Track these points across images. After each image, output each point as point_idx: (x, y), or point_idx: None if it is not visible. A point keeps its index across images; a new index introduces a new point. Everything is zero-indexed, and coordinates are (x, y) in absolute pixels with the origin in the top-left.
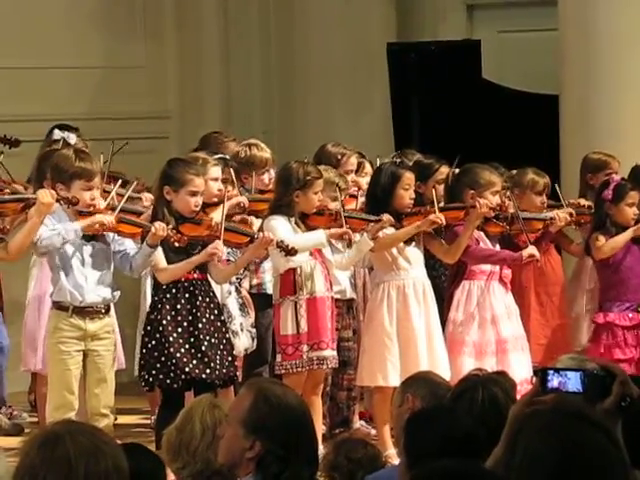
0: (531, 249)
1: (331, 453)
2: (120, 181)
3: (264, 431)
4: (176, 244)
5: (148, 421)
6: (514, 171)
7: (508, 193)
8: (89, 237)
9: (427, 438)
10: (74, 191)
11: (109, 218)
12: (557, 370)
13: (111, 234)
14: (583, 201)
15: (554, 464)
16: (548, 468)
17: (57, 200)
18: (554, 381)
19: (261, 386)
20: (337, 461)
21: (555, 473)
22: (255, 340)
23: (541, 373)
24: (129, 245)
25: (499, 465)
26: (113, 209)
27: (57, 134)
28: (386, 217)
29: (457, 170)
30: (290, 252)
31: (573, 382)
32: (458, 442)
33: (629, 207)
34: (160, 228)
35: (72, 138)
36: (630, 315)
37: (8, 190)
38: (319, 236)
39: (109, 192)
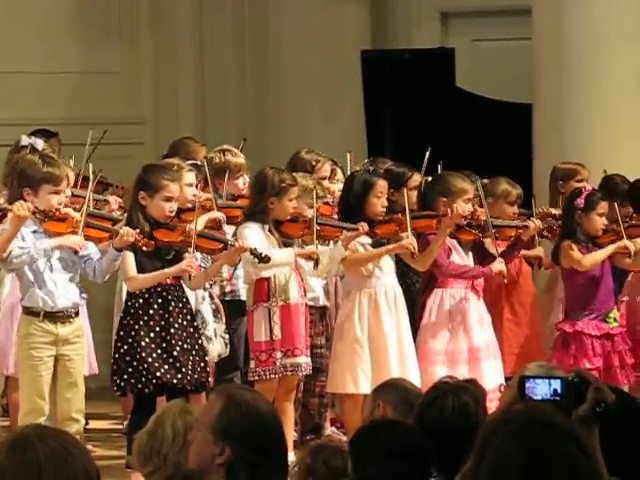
0: (500, 265)
1: (308, 458)
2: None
3: (234, 437)
4: (144, 248)
5: (120, 426)
6: (486, 180)
7: (483, 201)
8: None
9: (372, 454)
10: (41, 196)
11: (79, 240)
12: (532, 377)
13: None
14: (554, 210)
15: (520, 471)
16: (514, 475)
17: (33, 212)
18: (530, 389)
19: (231, 392)
20: (315, 466)
21: (522, 478)
22: (228, 346)
23: (519, 381)
24: (93, 250)
25: (470, 470)
26: (80, 213)
27: (24, 140)
28: (362, 226)
29: (429, 178)
30: (263, 259)
31: (546, 389)
32: (406, 456)
33: (599, 217)
34: (128, 233)
35: (39, 144)
36: (598, 325)
37: None
38: (288, 256)
39: (79, 196)
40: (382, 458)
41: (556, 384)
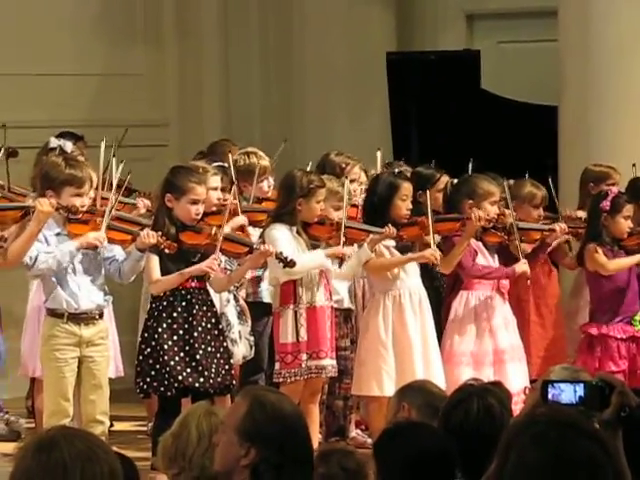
0: (523, 266)
1: (322, 466)
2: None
3: (259, 438)
4: (166, 251)
5: (144, 428)
6: (512, 181)
7: (510, 203)
8: None
9: (397, 456)
10: (64, 198)
11: (101, 235)
12: (555, 382)
13: None
14: (581, 213)
15: (545, 473)
16: (538, 477)
17: (56, 209)
18: (553, 393)
19: (256, 394)
20: (332, 472)
21: None
22: (253, 348)
23: (541, 386)
24: (118, 252)
25: (493, 473)
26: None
27: (53, 142)
28: (389, 229)
29: (455, 180)
30: (289, 264)
31: (571, 394)
32: (430, 459)
33: (624, 219)
34: (148, 234)
35: (68, 146)
36: (624, 327)
37: (6, 198)
38: (319, 258)
39: (107, 199)
40: (406, 460)
41: (580, 389)
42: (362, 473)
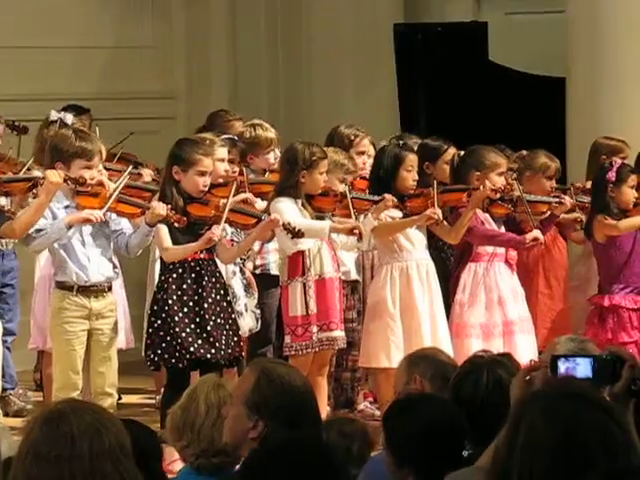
0: (535, 232)
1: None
2: (131, 166)
3: (267, 411)
4: (175, 224)
5: (153, 401)
6: (524, 152)
7: (514, 175)
8: None
9: (406, 429)
10: (73, 171)
11: (97, 213)
12: (567, 357)
13: (109, 213)
14: (590, 185)
15: (555, 444)
16: (549, 448)
17: (65, 180)
18: (567, 367)
19: (265, 366)
20: (330, 439)
21: (556, 453)
22: (259, 321)
23: (550, 360)
24: (125, 225)
25: (503, 445)
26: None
27: (54, 115)
28: (388, 197)
29: (462, 152)
30: (297, 234)
31: (583, 368)
32: (440, 430)
33: (630, 189)
34: (159, 206)
35: (69, 119)
36: (634, 298)
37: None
38: (322, 227)
39: (112, 170)
40: (416, 431)
41: (590, 363)
42: (365, 439)
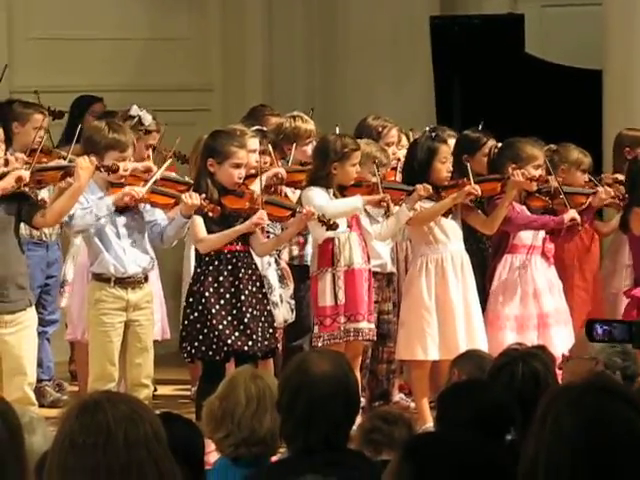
0: (572, 212)
1: (366, 421)
2: (170, 158)
3: None
4: (210, 214)
5: (188, 392)
6: (553, 145)
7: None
8: (121, 208)
9: (460, 409)
10: (107, 162)
11: (139, 189)
12: (604, 321)
13: (142, 204)
14: (620, 176)
15: (580, 438)
16: (574, 442)
17: (97, 168)
18: (604, 329)
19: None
20: (374, 424)
21: (581, 447)
22: (294, 311)
23: (587, 324)
24: (159, 216)
25: (533, 440)
26: (146, 181)
27: (134, 110)
28: (420, 186)
29: (499, 144)
30: (331, 226)
31: (620, 332)
32: (491, 414)
33: None
34: (193, 196)
35: (147, 119)
36: None
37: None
38: (355, 201)
39: None
40: (468, 413)
41: (627, 327)
42: (409, 423)
